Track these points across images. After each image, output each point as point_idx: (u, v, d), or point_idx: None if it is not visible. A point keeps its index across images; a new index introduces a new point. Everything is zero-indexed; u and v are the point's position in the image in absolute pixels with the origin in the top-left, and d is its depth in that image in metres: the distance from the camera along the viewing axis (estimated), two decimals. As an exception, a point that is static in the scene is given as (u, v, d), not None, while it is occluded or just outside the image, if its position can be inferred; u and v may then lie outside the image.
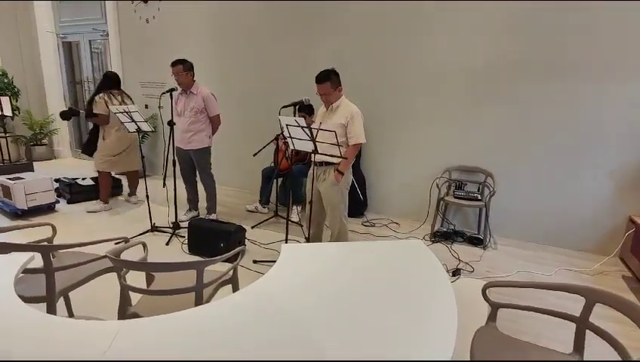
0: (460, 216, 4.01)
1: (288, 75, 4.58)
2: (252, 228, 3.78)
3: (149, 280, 1.87)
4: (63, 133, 6.79)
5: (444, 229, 3.81)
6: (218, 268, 1.92)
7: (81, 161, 6.72)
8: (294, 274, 1.53)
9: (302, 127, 2.38)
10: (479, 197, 3.59)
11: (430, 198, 3.88)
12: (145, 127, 3.28)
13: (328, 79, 2.68)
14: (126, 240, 2.01)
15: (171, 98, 3.31)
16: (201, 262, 1.55)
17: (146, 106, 5.68)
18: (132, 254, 1.91)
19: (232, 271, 1.89)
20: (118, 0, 5.55)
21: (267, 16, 4.55)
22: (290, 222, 3.74)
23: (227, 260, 1.73)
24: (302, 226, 3.84)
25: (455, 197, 3.64)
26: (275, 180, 4.21)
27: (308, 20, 4.33)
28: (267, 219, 4.00)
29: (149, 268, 1.67)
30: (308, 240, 2.88)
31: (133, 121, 3.26)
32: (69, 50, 6.60)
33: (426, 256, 1.73)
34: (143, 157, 3.62)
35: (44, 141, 6.69)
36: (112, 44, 5.76)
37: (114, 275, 1.73)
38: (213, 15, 4.90)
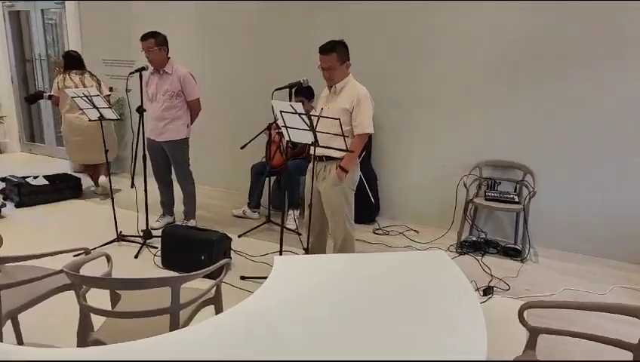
0: (492, 222, 4.01)
1: (284, 52, 4.59)
2: (239, 236, 3.80)
3: (115, 299, 1.89)
4: (11, 123, 6.83)
5: (474, 238, 3.81)
6: (198, 285, 1.93)
7: (33, 156, 6.76)
8: (289, 291, 1.54)
9: (299, 114, 2.39)
10: (516, 199, 3.60)
11: (456, 200, 3.89)
12: (109, 114, 3.30)
13: (334, 50, 2.67)
14: (87, 251, 2.03)
15: (141, 79, 3.33)
16: (177, 279, 1.56)
17: (111, 89, 5.70)
18: (94, 268, 1.92)
19: (214, 288, 1.90)
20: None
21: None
22: (285, 230, 3.75)
23: (209, 276, 1.74)
24: (300, 235, 3.85)
25: (487, 199, 3.64)
26: (267, 179, 4.23)
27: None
28: (258, 226, 4.02)
29: (114, 285, 1.69)
30: (307, 251, 2.89)
31: (94, 107, 3.28)
32: (17, 22, 6.63)
33: (451, 271, 1.73)
34: (106, 150, 3.64)
35: (-12, 132, 6.73)
36: (70, 15, 5.79)
37: (72, 294, 1.75)
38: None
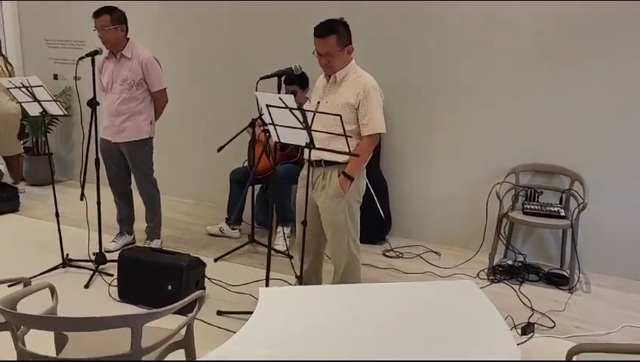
0: (533, 242, 4.03)
1: (270, 33, 4.63)
2: (215, 260, 3.81)
3: (61, 342, 1.89)
4: None
5: (509, 262, 3.83)
6: (164, 323, 1.93)
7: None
8: (278, 333, 1.55)
9: (290, 109, 2.41)
10: (562, 213, 3.62)
11: (487, 215, 3.90)
12: (54, 109, 3.32)
13: (333, 32, 2.68)
14: (25, 281, 2.04)
15: (93, 65, 3.34)
16: (138, 317, 1.57)
17: (55, 77, 5.74)
18: (35, 303, 1.92)
19: (184, 328, 1.91)
20: None
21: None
22: (273, 252, 3.75)
23: (178, 311, 1.75)
24: (291, 258, 3.86)
25: (525, 213, 3.67)
26: (250, 188, 4.24)
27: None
28: (239, 248, 4.03)
29: (61, 326, 1.69)
30: (300, 279, 2.90)
31: (35, 100, 3.30)
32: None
33: (480, 305, 1.74)
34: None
35: None
36: (4, -17, 5.82)
37: (7, 336, 1.75)
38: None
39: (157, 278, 3.08)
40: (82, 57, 3.32)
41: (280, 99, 2.42)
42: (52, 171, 3.61)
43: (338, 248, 2.89)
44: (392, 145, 4.39)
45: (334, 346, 1.50)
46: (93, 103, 3.37)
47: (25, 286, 1.97)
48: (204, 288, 3.22)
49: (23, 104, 3.42)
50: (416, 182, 4.36)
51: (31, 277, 3.31)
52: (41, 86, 3.21)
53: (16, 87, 3.29)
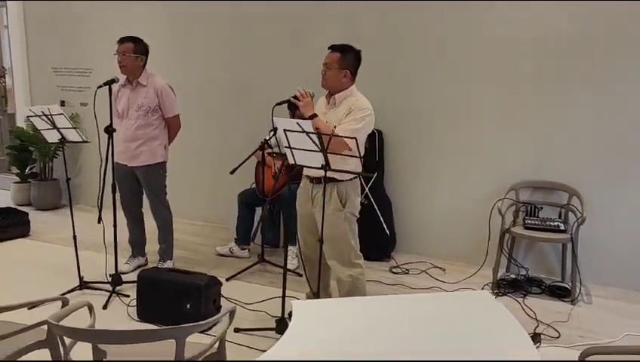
0: (534, 256, 4.16)
1: (278, 58, 4.79)
2: (227, 280, 3.89)
3: (98, 357, 1.96)
4: None
5: (513, 276, 3.94)
6: (191, 339, 2.02)
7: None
8: (317, 339, 1.62)
9: (308, 133, 2.54)
10: (562, 227, 3.75)
11: (490, 230, 4.03)
12: (73, 136, 3.43)
13: (341, 51, 2.88)
14: (64, 300, 2.12)
15: (110, 93, 3.47)
16: (183, 329, 1.65)
17: (62, 103, 5.85)
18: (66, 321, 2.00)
19: (217, 343, 1.99)
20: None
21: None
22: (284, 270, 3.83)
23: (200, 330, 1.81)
24: (300, 276, 3.94)
25: (526, 228, 3.79)
26: (257, 209, 4.34)
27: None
28: (249, 267, 4.12)
29: (109, 338, 1.72)
30: (317, 295, 2.99)
31: (55, 127, 3.41)
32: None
33: (500, 316, 1.84)
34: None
35: None
36: (12, 14, 5.97)
37: (45, 354, 1.81)
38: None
39: (176, 297, 3.15)
40: (100, 85, 3.43)
41: (298, 124, 2.56)
42: (70, 196, 3.67)
43: (341, 260, 2.99)
44: (395, 164, 4.52)
45: (371, 354, 1.59)
46: (110, 130, 3.48)
47: (63, 305, 2.06)
48: (220, 306, 3.31)
49: (42, 131, 3.52)
50: (420, 200, 4.48)
51: (50, 299, 3.43)
52: (62, 114, 3.32)
53: (36, 115, 3.40)
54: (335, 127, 2.82)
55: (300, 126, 2.56)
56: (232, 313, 2.00)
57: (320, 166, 2.67)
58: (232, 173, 3.80)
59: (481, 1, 4.03)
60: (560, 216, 3.95)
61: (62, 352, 1.70)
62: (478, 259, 4.13)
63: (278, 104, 2.95)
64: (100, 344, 1.73)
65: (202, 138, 5.17)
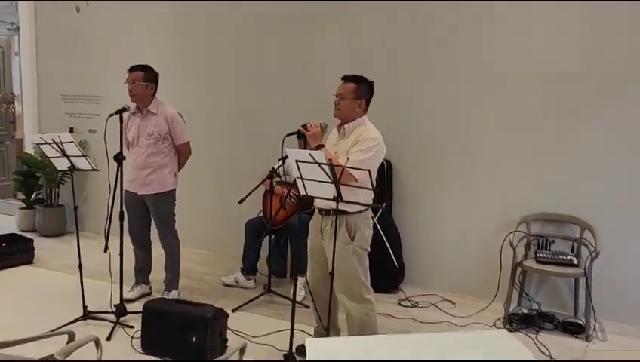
0: (546, 290, 4.09)
1: (286, 88, 4.81)
2: (233, 311, 3.82)
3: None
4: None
5: (524, 311, 3.86)
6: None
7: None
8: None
9: (320, 165, 2.52)
10: (574, 261, 3.69)
11: (501, 263, 3.97)
12: (83, 163, 3.42)
13: (356, 82, 2.90)
14: (70, 334, 2.07)
15: (121, 122, 3.48)
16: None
17: (71, 130, 5.87)
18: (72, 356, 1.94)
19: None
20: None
21: (254, 7, 4.84)
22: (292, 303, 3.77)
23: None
24: (307, 307, 3.87)
25: (538, 261, 3.74)
26: (266, 238, 4.30)
27: (313, 12, 4.63)
28: (255, 298, 4.05)
29: None
30: (327, 331, 2.93)
31: (65, 155, 3.40)
32: (-43, 50, 6.89)
33: (523, 355, 1.78)
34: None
35: None
36: (24, 42, 6.05)
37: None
38: (176, 3, 5.20)
39: (182, 330, 3.09)
40: (112, 114, 3.44)
41: (310, 155, 2.54)
42: (77, 223, 3.64)
43: (351, 295, 2.94)
44: (403, 194, 4.49)
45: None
46: (119, 158, 3.48)
47: (70, 339, 2.01)
48: (227, 339, 3.24)
49: (51, 159, 3.52)
50: (429, 231, 4.43)
51: (53, 330, 3.37)
52: (72, 142, 3.32)
53: (46, 143, 3.40)
54: (340, 157, 2.82)
55: (312, 157, 2.54)
56: (242, 350, 1.94)
57: (331, 197, 2.65)
58: (240, 202, 3.76)
59: (493, 36, 4.06)
60: (572, 250, 3.89)
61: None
62: (488, 292, 4.06)
63: (288, 135, 2.95)
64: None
65: (210, 166, 5.16)
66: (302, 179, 2.69)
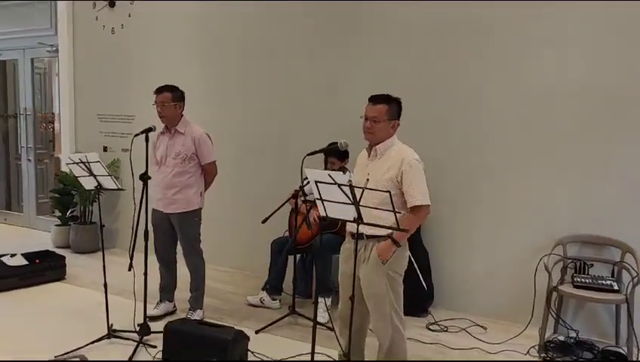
0: (584, 317, 3.87)
1: (311, 109, 4.80)
2: (256, 332, 3.77)
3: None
4: (-16, 187, 7.20)
5: (561, 338, 3.67)
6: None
7: (7, 227, 7.04)
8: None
9: (340, 185, 2.46)
10: (615, 287, 3.49)
11: (536, 288, 3.78)
12: (109, 183, 3.46)
13: (387, 102, 2.81)
14: (83, 359, 2.05)
15: (147, 141, 3.51)
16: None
17: (105, 149, 6.02)
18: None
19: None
20: (75, 0, 6.09)
21: (282, 27, 4.89)
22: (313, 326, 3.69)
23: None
24: (332, 330, 3.78)
25: (575, 286, 3.55)
26: (290, 258, 4.25)
27: (343, 31, 4.61)
28: (279, 319, 3.98)
29: None
30: (348, 356, 2.83)
31: (92, 174, 3.45)
32: (3, 72, 7.20)
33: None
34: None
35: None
36: (63, 63, 6.27)
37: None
38: (206, 24, 5.30)
39: (202, 351, 3.06)
40: (137, 134, 3.49)
41: (330, 176, 2.48)
42: (102, 242, 3.69)
43: (381, 321, 2.84)
44: (433, 216, 4.30)
45: None
46: (145, 178, 3.51)
47: (81, 362, 1.98)
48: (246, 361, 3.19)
49: (79, 178, 3.58)
50: (460, 252, 4.29)
51: (77, 349, 3.40)
52: (99, 162, 3.38)
53: (74, 163, 3.46)
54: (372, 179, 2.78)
55: (332, 178, 2.48)
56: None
57: (352, 219, 2.57)
58: (263, 221, 3.77)
59: (526, 48, 3.94)
60: (613, 275, 3.67)
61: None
62: (522, 317, 3.88)
63: (310, 154, 2.91)
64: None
65: (236, 184, 5.17)
66: (322, 200, 2.63)
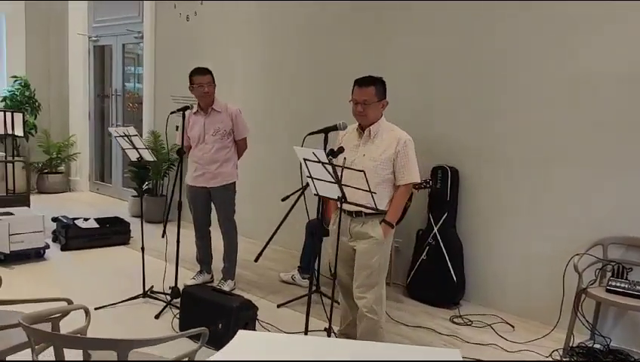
0: (622, 325, 3.57)
1: (344, 89, 4.79)
2: (278, 306, 3.93)
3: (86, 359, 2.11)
4: (83, 161, 8.09)
5: (589, 344, 3.41)
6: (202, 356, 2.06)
7: (99, 196, 7.87)
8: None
9: (322, 163, 2.51)
10: (654, 295, 3.16)
11: (564, 288, 3.53)
12: (147, 155, 3.80)
13: (373, 84, 2.89)
14: (68, 301, 2.33)
15: (183, 119, 3.80)
16: (126, 342, 1.71)
17: (177, 128, 6.47)
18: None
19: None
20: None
21: (331, 15, 4.97)
22: (336, 305, 3.76)
23: (220, 345, 1.81)
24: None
25: (609, 291, 3.27)
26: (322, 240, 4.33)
27: (384, 16, 4.59)
28: (300, 297, 4.10)
29: (60, 342, 1.77)
30: (329, 332, 2.91)
31: (134, 147, 3.81)
32: (101, 56, 8.01)
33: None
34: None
35: (61, 168, 8.04)
36: (147, 49, 6.85)
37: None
38: (267, 12, 5.51)
39: (211, 316, 3.27)
40: (173, 112, 3.80)
41: (314, 153, 2.54)
42: (142, 211, 4.07)
43: (371, 288, 2.99)
44: (469, 207, 4.23)
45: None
46: (181, 153, 3.84)
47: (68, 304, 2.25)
48: (254, 331, 3.35)
49: (125, 150, 3.96)
50: (494, 246, 4.11)
51: (113, 304, 3.79)
52: (137, 135, 3.72)
53: (120, 136, 3.83)
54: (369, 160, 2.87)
55: (316, 155, 2.54)
56: (203, 336, 2.02)
57: (337, 198, 2.62)
58: (283, 200, 3.89)
59: (574, 35, 3.65)
60: (656, 281, 3.33)
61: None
62: (551, 318, 3.65)
63: (310, 134, 2.95)
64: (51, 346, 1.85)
65: (274, 161, 5.34)
66: (312, 178, 2.70)
